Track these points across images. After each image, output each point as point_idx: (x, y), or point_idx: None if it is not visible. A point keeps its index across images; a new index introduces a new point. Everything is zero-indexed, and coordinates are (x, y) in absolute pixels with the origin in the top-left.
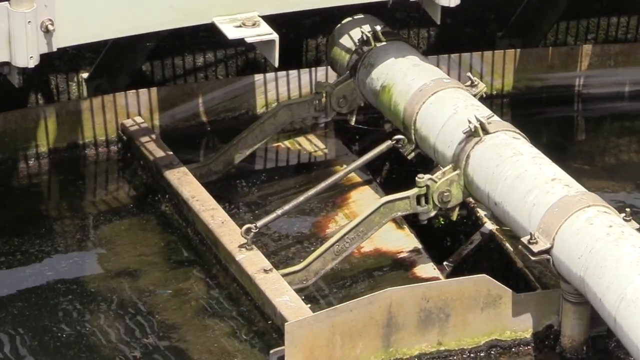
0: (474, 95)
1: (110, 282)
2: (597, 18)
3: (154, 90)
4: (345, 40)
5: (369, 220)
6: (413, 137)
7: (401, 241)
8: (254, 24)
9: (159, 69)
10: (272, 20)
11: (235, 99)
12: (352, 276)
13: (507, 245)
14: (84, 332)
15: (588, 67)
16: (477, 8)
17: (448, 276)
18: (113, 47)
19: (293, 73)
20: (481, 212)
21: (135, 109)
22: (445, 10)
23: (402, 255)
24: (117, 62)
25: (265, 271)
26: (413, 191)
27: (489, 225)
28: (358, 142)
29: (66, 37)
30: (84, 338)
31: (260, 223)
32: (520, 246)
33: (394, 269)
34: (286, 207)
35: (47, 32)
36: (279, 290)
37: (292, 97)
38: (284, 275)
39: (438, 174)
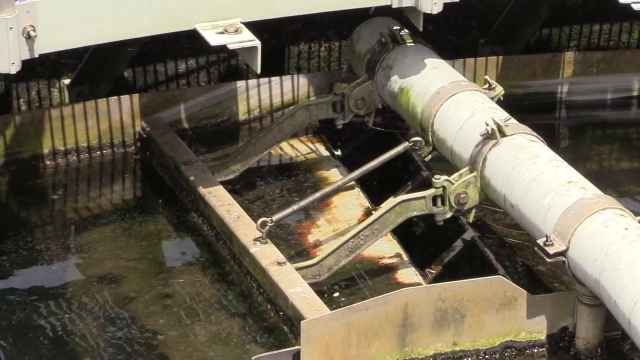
0: (492, 98)
1: (92, 287)
2: (580, 25)
3: (135, 96)
4: (363, 42)
5: (384, 218)
6: (430, 139)
7: (383, 247)
8: (236, 31)
9: (141, 75)
10: (255, 26)
11: (217, 105)
12: (333, 283)
13: (489, 252)
14: (66, 339)
15: (570, 75)
16: (459, 15)
17: (431, 283)
18: (95, 53)
19: (275, 80)
20: (463, 219)
21: (118, 115)
22: (428, 17)
23: (383, 261)
24: (99, 69)
25: (279, 264)
26: (429, 191)
27: (471, 232)
28: (341, 148)
29: (48, 43)
30: (66, 345)
31: (275, 217)
32: (536, 248)
33: (375, 275)
34: (302, 203)
35: (29, 38)
36: (292, 282)
37: (274, 103)
38: (297, 269)
39: (455, 175)
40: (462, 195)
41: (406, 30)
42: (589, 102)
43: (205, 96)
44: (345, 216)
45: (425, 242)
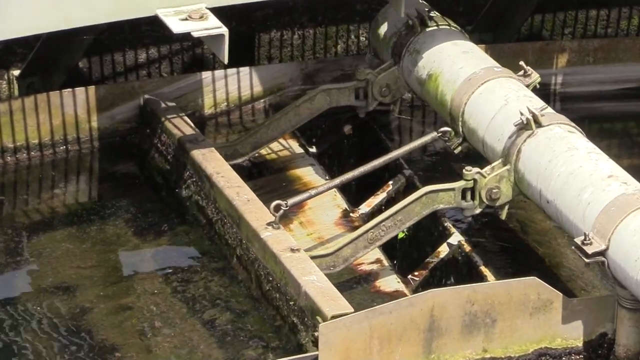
0: (527, 86)
1: (43, 297)
2: (575, 11)
3: (91, 89)
4: (389, 25)
5: (409, 209)
6: (460, 130)
7: None
8: (201, 17)
9: (97, 65)
10: (221, 12)
11: (181, 98)
12: None
13: (477, 257)
14: (15, 356)
15: (565, 64)
16: (444, 0)
17: (414, 291)
18: (47, 42)
19: (244, 70)
20: (448, 222)
21: (72, 109)
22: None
23: (363, 267)
24: (51, 59)
25: (292, 250)
26: (459, 183)
27: (457, 236)
28: (316, 145)
29: None
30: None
31: (291, 201)
32: (573, 247)
33: (354, 282)
34: (321, 188)
35: None
36: (306, 270)
37: (242, 96)
38: (311, 258)
39: (487, 168)
40: (494, 190)
41: (436, 12)
42: (585, 94)
43: (168, 88)
44: (320, 219)
45: (407, 246)
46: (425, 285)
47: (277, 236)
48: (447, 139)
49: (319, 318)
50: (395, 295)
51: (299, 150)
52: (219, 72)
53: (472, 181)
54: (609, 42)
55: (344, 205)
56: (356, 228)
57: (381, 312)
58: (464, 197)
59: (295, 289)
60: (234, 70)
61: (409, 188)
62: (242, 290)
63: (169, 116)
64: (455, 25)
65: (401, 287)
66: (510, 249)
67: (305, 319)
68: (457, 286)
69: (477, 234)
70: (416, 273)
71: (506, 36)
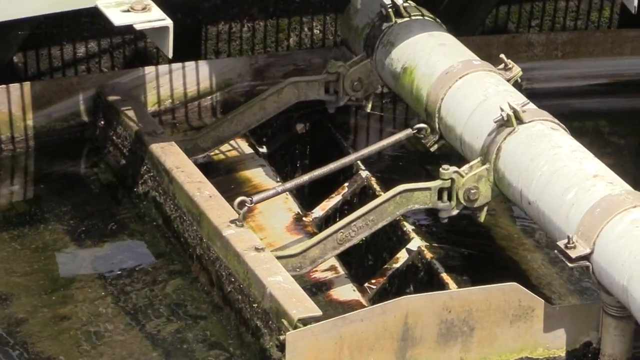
0: (508, 80)
1: None
2: (543, 2)
3: (27, 85)
4: (362, 15)
5: (382, 209)
6: (437, 127)
7: None
8: (144, 8)
9: (33, 60)
10: (166, 4)
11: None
12: None
13: (438, 264)
14: None
15: (532, 59)
16: None
17: (371, 300)
18: None
19: (190, 65)
20: (408, 227)
21: (5, 107)
22: None
23: (316, 275)
24: None
25: (257, 249)
26: (436, 183)
27: (417, 242)
28: (266, 145)
29: None
30: None
31: (256, 198)
32: (556, 251)
33: (307, 291)
34: (287, 185)
35: None
36: (271, 270)
37: (188, 92)
38: (276, 258)
39: (465, 167)
40: (472, 191)
41: (411, 2)
42: (553, 90)
43: (109, 84)
44: (271, 223)
45: (364, 252)
46: (382, 293)
47: (241, 234)
48: (422, 136)
49: (284, 321)
50: (350, 304)
51: (248, 150)
52: (163, 67)
53: (450, 181)
54: (578, 35)
55: (297, 209)
56: (309, 233)
57: (352, 320)
58: (440, 198)
59: (259, 291)
60: (179, 65)
61: (366, 190)
62: (200, 293)
63: (125, 107)
64: (431, 16)
65: (357, 295)
66: (474, 255)
67: (270, 322)
68: (433, 292)
69: (439, 239)
70: (373, 281)
71: (470, 29)
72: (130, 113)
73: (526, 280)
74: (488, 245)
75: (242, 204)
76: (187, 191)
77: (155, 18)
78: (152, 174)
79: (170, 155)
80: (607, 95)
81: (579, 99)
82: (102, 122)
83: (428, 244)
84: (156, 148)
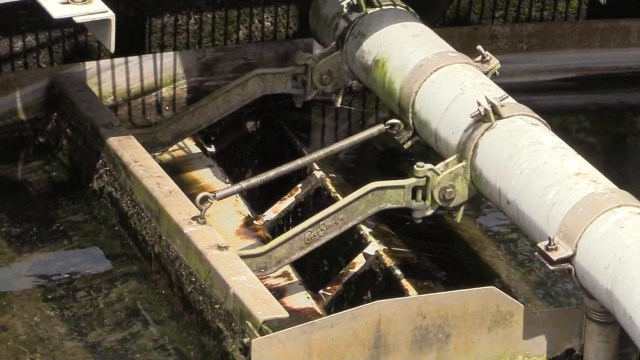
0: (485, 73)
1: None
2: None
3: None
4: (331, 4)
5: (353, 207)
6: (411, 122)
7: None
8: (84, 0)
9: None
10: None
11: None
12: None
13: (397, 269)
14: None
15: (495, 52)
16: None
17: (326, 308)
18: None
19: (133, 60)
20: (365, 230)
21: None
22: None
23: (268, 281)
24: None
25: (220, 248)
26: (410, 181)
27: (375, 246)
28: (214, 143)
29: None
30: None
31: (219, 193)
32: (536, 253)
33: None
34: (252, 181)
35: None
36: (235, 270)
37: (132, 89)
38: (240, 257)
39: (440, 165)
40: (448, 190)
41: None
42: (518, 86)
43: (47, 81)
44: (220, 227)
45: (318, 257)
46: (338, 301)
47: (203, 232)
48: (395, 132)
49: (249, 323)
50: (304, 313)
51: (195, 149)
52: (105, 62)
53: (424, 179)
54: (544, 26)
55: (247, 211)
56: (260, 237)
57: (321, 327)
58: (414, 197)
59: (222, 291)
60: (121, 60)
61: (321, 192)
62: (158, 296)
63: (80, 98)
64: (404, 5)
65: (311, 303)
66: (436, 259)
67: (233, 324)
68: (407, 297)
69: (398, 242)
70: (328, 288)
71: (430, 20)
72: (86, 104)
73: (489, 285)
74: (450, 248)
75: (204, 200)
76: (146, 186)
77: (96, 10)
78: (108, 168)
79: (128, 148)
80: (574, 91)
81: (545, 95)
82: (56, 114)
83: (387, 247)
84: (113, 141)
